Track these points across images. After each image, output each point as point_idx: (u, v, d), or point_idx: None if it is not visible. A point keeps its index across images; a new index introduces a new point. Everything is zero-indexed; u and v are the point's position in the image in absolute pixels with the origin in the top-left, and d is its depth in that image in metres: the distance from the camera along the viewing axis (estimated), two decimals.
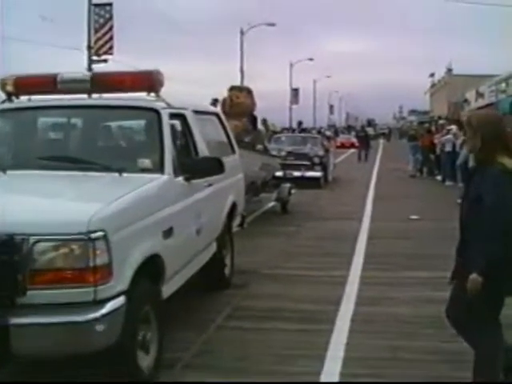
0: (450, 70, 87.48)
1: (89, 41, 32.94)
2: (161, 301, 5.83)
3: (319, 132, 49.55)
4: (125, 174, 6.01)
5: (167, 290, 6.13)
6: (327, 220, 15.60)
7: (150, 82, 6.83)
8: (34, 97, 7.08)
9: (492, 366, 4.86)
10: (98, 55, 32.86)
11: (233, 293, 8.51)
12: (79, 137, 7.42)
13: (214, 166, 6.99)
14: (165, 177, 6.22)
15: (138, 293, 5.14)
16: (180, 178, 6.50)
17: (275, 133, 31.39)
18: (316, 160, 23.56)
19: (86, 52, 33.06)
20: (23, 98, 7.12)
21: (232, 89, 16.73)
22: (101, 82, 6.88)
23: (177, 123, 7.02)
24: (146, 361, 5.37)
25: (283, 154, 20.79)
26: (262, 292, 8.66)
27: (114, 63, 32.61)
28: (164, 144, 6.43)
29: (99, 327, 4.65)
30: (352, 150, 52.33)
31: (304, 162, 23.06)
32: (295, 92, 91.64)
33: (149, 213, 5.62)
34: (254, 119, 16.69)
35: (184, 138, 7.30)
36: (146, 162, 6.24)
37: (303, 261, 10.65)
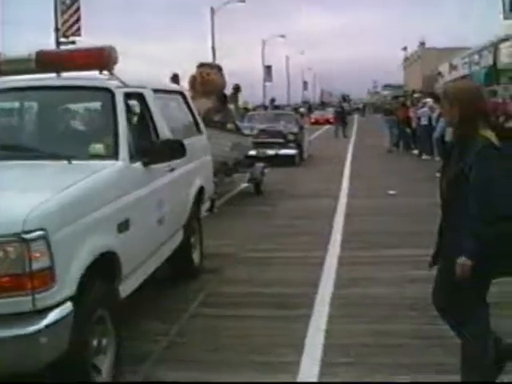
0: (422, 44, 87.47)
1: (56, 22, 32.19)
2: (117, 302, 5.24)
3: (295, 109, 48.98)
4: (75, 162, 5.37)
5: (126, 288, 5.57)
6: (303, 198, 15.28)
7: (102, 58, 6.24)
8: None
9: (483, 347, 4.52)
10: (66, 37, 32.12)
11: (206, 278, 8.16)
12: (23, 122, 6.77)
13: (174, 150, 6.37)
14: (119, 163, 5.60)
15: (88, 296, 4.58)
16: (137, 164, 5.90)
17: (247, 110, 30.48)
18: (290, 137, 23.04)
19: (53, 34, 32.32)
20: None
21: (201, 65, 16.20)
22: (48, 61, 6.23)
23: (134, 103, 6.44)
24: (104, 364, 4.89)
25: (255, 132, 20.13)
26: (236, 276, 8.32)
27: (83, 44, 32.01)
28: (118, 127, 5.81)
29: (43, 340, 4.06)
30: (327, 127, 52.05)
31: (278, 140, 22.54)
32: (268, 69, 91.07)
33: (100, 204, 5.01)
34: (224, 97, 16.11)
35: (142, 120, 6.71)
36: (98, 148, 5.65)
37: (279, 242, 10.29)
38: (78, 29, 32.35)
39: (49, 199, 4.40)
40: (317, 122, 60.48)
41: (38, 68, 6.19)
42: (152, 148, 6.26)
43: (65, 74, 6.39)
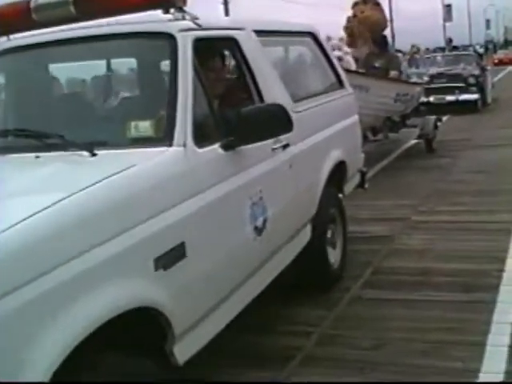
0: None
1: None
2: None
3: (474, 50, 45.80)
4: (101, 152, 3.52)
5: (188, 348, 3.53)
6: (487, 148, 13.39)
7: None
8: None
9: None
10: None
11: (375, 248, 7.13)
12: (42, 93, 4.76)
13: (271, 123, 4.20)
14: (171, 150, 3.61)
15: None
16: (210, 149, 3.90)
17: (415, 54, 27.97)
18: (471, 81, 20.71)
19: None
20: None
21: (355, 4, 14.46)
22: (91, 2, 4.30)
23: (217, 53, 4.83)
24: None
25: (426, 79, 18.18)
26: (409, 247, 7.18)
27: None
28: (177, 92, 3.81)
29: None
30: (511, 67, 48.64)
31: (458, 84, 20.36)
32: (448, 8, 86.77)
33: (118, 229, 3.00)
34: (384, 39, 13.84)
35: (234, 78, 5.06)
36: (141, 127, 3.74)
37: (460, 202, 8.95)
38: None
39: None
40: (501, 63, 56.82)
41: (78, 14, 4.24)
42: (235, 122, 4.02)
43: (113, 19, 4.28)
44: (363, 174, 7.31)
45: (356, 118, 7.09)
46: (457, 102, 20.05)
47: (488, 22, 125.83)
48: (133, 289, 3.04)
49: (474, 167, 11.54)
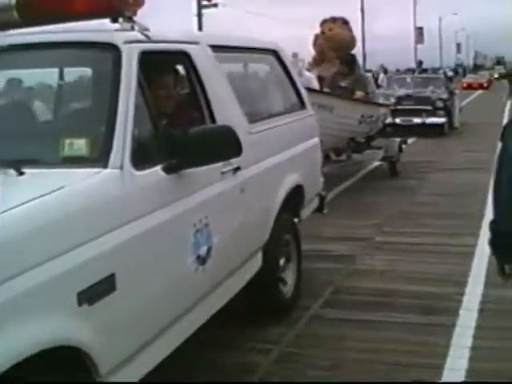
0: None
1: None
2: None
3: (444, 73, 46.02)
4: (30, 171, 3.18)
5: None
6: (453, 171, 13.61)
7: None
8: None
9: None
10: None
11: (337, 267, 7.12)
12: None
13: (218, 146, 3.92)
14: (106, 172, 3.30)
15: None
16: (152, 171, 3.61)
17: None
18: (439, 104, 20.68)
19: None
20: None
21: (324, 22, 14.33)
22: (35, 7, 3.91)
23: (169, 67, 4.52)
24: None
25: (392, 100, 18.03)
26: (371, 267, 7.20)
27: (225, 8, 31.49)
28: (117, 107, 3.49)
29: None
30: (479, 92, 49.15)
31: (425, 107, 20.29)
32: (419, 31, 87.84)
33: (38, 259, 2.70)
34: (351, 57, 13.44)
35: (183, 95, 4.74)
36: (75, 145, 3.38)
37: (424, 224, 8.99)
38: None
39: None
40: (469, 87, 57.42)
41: (22, 20, 3.93)
42: (179, 144, 3.77)
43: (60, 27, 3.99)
44: (322, 198, 6.99)
45: (317, 140, 6.81)
46: (423, 124, 20.04)
47: (459, 45, 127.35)
48: (53, 326, 2.71)
49: (438, 190, 11.67)
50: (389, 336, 5.31)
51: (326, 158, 11.12)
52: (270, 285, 5.49)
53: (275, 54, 6.34)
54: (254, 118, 5.25)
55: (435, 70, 54.75)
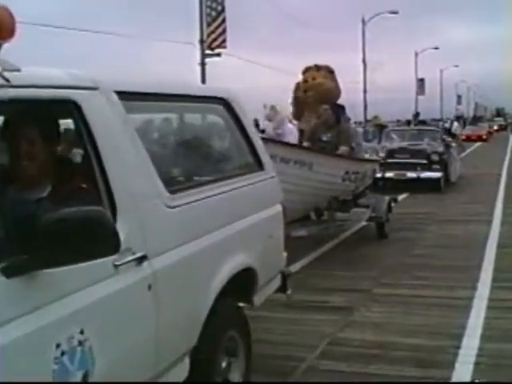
0: None
1: (201, 34, 31.94)
2: None
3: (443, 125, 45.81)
4: None
5: None
6: (450, 224, 13.64)
7: None
8: None
9: None
10: (212, 49, 31.88)
11: (333, 319, 7.11)
12: None
13: (86, 239, 2.80)
14: None
15: None
16: None
17: (382, 127, 25.31)
18: (434, 157, 19.49)
19: (198, 46, 32.11)
20: None
21: (307, 70, 13.29)
22: None
23: (44, 120, 3.41)
24: None
25: (381, 155, 17.26)
26: (368, 318, 7.21)
27: (228, 57, 31.85)
28: None
29: None
30: (478, 144, 49.29)
31: (420, 161, 19.27)
32: (421, 82, 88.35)
33: None
34: (336, 108, 12.25)
35: (69, 155, 3.96)
36: None
37: (421, 276, 8.97)
38: (224, 41, 32.02)
39: None
40: (468, 139, 57.50)
41: None
42: (24, 234, 2.78)
43: None
44: (285, 277, 5.78)
45: (278, 208, 5.65)
46: (418, 179, 19.20)
47: (459, 97, 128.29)
48: None
49: (437, 242, 11.69)
50: None
51: (306, 219, 10.78)
52: None
53: (225, 103, 5.20)
54: (179, 186, 4.28)
55: (436, 121, 54.86)
